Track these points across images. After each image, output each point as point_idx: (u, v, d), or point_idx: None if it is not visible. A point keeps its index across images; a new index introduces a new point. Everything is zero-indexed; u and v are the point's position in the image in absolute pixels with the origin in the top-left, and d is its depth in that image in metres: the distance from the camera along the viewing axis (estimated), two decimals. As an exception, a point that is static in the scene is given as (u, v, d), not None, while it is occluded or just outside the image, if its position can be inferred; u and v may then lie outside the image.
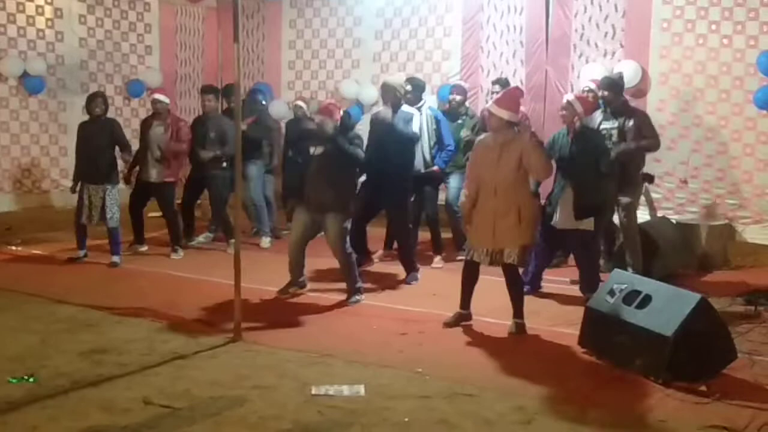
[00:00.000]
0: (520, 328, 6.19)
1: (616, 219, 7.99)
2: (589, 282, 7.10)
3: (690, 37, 9.19)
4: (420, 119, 8.36)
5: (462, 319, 6.37)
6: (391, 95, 7.99)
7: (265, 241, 9.67)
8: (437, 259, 8.77)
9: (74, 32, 11.79)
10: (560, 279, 7.82)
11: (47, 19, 11.46)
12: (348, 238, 7.18)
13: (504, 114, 6.08)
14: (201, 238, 9.85)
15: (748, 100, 8.84)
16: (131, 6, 12.46)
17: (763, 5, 8.70)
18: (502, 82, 9.26)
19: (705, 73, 9.15)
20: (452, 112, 8.93)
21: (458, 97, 9.02)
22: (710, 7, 9.03)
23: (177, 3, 12.83)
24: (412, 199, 8.46)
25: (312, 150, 7.20)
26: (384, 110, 8.09)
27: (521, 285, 6.41)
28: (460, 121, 8.91)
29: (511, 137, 6.11)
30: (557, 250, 7.57)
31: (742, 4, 8.83)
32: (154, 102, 9.24)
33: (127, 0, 12.37)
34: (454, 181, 8.91)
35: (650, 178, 8.27)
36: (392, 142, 7.80)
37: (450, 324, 6.32)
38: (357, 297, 7.16)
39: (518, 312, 6.23)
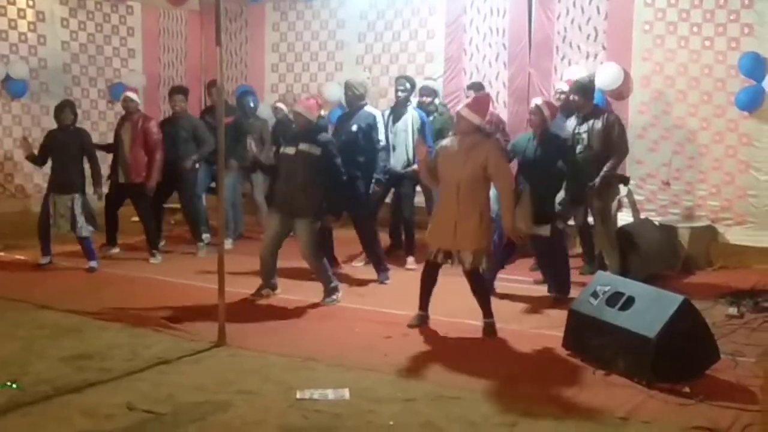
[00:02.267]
0: (490, 327, 6.25)
1: (591, 220, 8.05)
2: (557, 283, 7.30)
3: (672, 39, 9.23)
4: (406, 118, 8.51)
5: (422, 320, 6.46)
6: (348, 95, 8.07)
7: (228, 242, 9.57)
8: (410, 260, 8.77)
9: (57, 35, 11.73)
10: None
11: (29, 23, 11.39)
12: (316, 243, 7.23)
13: (475, 118, 6.15)
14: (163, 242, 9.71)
15: (729, 101, 8.88)
16: (114, 9, 12.40)
17: (744, 7, 8.74)
18: (477, 87, 9.28)
19: (687, 75, 9.18)
20: (423, 110, 8.92)
21: (427, 99, 9.07)
22: (692, 9, 9.06)
23: (159, 6, 12.76)
24: (388, 200, 8.51)
25: (283, 149, 7.22)
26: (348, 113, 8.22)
27: (485, 287, 6.49)
28: (431, 118, 8.97)
29: (477, 141, 6.17)
30: (513, 253, 7.54)
31: (723, 6, 8.86)
32: (125, 100, 9.21)
33: (110, 3, 12.31)
34: None
35: (625, 180, 8.32)
36: (350, 143, 7.86)
37: (413, 326, 6.40)
38: (333, 297, 7.21)
39: (487, 312, 6.31)
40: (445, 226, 6.19)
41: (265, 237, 7.33)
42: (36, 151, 8.81)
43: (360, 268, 8.60)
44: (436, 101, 9.34)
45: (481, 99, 6.55)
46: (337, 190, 7.28)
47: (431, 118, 8.97)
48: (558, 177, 7.08)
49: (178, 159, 9.23)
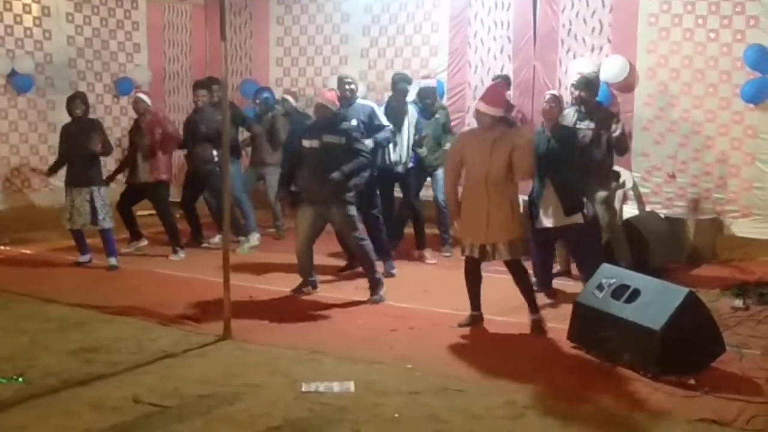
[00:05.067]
0: (537, 325, 6.13)
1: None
2: (592, 272, 7.11)
3: (677, 31, 9.20)
4: (406, 116, 8.43)
5: (474, 320, 6.30)
6: (347, 88, 8.05)
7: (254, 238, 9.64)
8: (427, 253, 8.78)
9: (62, 30, 11.74)
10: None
11: (35, 18, 11.40)
12: (359, 227, 7.15)
13: (494, 111, 6.04)
14: (216, 239, 9.51)
15: (735, 94, 8.86)
16: (118, 4, 12.40)
17: (750, -1, 8.74)
18: (504, 79, 9.26)
19: (692, 67, 9.16)
20: (427, 109, 8.89)
21: (428, 101, 8.93)
22: (697, 1, 9.03)
23: (164, 0, 12.78)
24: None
25: (307, 144, 7.12)
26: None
27: (528, 278, 6.35)
28: (438, 116, 8.94)
29: (502, 133, 6.05)
30: (548, 249, 7.46)
31: (728, -2, 8.86)
32: (136, 102, 9.20)
33: (114, -2, 12.34)
34: (441, 174, 8.93)
35: (617, 175, 8.30)
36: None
37: (463, 325, 6.25)
38: (379, 294, 7.06)
39: (533, 307, 6.18)
40: (476, 220, 6.06)
41: (300, 233, 7.20)
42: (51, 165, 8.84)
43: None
44: (443, 100, 9.28)
45: (494, 89, 6.42)
46: (362, 175, 7.22)
47: (437, 116, 8.92)
48: (578, 166, 7.04)
49: (202, 154, 9.22)
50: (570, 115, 7.73)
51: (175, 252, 9.04)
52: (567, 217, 6.96)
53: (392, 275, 7.90)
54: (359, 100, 8.12)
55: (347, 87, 8.04)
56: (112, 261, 8.42)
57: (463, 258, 6.30)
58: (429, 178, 9.10)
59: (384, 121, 8.07)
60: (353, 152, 7.04)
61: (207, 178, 9.26)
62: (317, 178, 6.97)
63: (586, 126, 7.60)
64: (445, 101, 10.68)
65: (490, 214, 6.00)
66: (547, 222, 7.02)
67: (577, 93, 7.66)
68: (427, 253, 8.82)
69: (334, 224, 7.16)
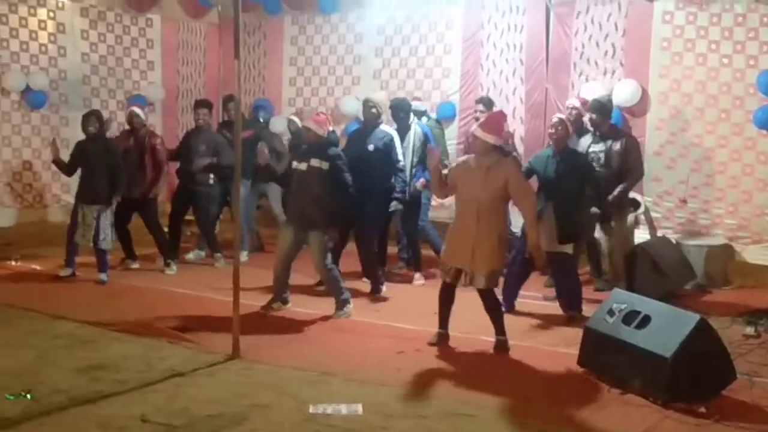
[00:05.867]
0: (502, 344, 6.24)
1: (598, 234, 8.02)
2: (572, 300, 7.25)
3: (690, 56, 9.21)
4: (409, 136, 8.42)
5: (442, 339, 6.40)
6: (370, 112, 8.05)
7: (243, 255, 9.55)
8: (417, 275, 8.77)
9: (77, 47, 11.83)
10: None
11: (50, 34, 11.49)
12: (329, 254, 7.30)
13: (490, 138, 6.10)
14: (191, 255, 9.83)
15: (747, 119, 8.84)
16: (134, 22, 12.50)
17: (763, 25, 8.72)
18: (485, 101, 9.28)
19: (705, 92, 9.15)
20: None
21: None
22: (710, 26, 9.04)
23: (179, 19, 12.87)
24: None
25: (294, 164, 7.28)
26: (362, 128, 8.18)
27: (499, 305, 6.44)
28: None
29: (496, 161, 6.14)
30: (527, 269, 7.44)
31: (741, 24, 8.84)
32: (131, 115, 9.25)
33: (130, 15, 12.40)
34: (422, 197, 8.95)
35: (636, 204, 8.31)
36: (364, 162, 7.79)
37: (432, 344, 6.35)
38: (344, 310, 7.24)
39: (500, 329, 6.30)
40: (462, 246, 6.14)
41: (279, 250, 7.38)
42: (64, 158, 8.83)
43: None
44: (424, 119, 9.26)
45: (494, 117, 6.50)
46: (345, 204, 7.27)
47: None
48: (580, 194, 7.07)
49: (196, 171, 9.27)
50: (585, 140, 7.77)
51: (167, 265, 9.11)
52: (558, 245, 6.99)
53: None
54: (382, 126, 8.11)
55: (371, 111, 8.04)
56: (103, 276, 8.47)
57: (443, 279, 6.38)
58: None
59: (399, 154, 8.06)
60: (336, 180, 7.13)
61: (196, 198, 9.38)
62: (300, 200, 7.17)
63: (599, 149, 7.63)
64: (456, 123, 10.74)
65: (476, 243, 6.07)
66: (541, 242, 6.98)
67: (589, 116, 7.71)
68: (417, 275, 8.80)
69: (309, 247, 7.25)
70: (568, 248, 7.11)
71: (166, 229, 9.44)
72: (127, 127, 9.51)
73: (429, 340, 6.40)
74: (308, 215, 7.10)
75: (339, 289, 7.30)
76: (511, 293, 7.42)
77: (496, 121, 6.36)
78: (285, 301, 7.44)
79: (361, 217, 7.89)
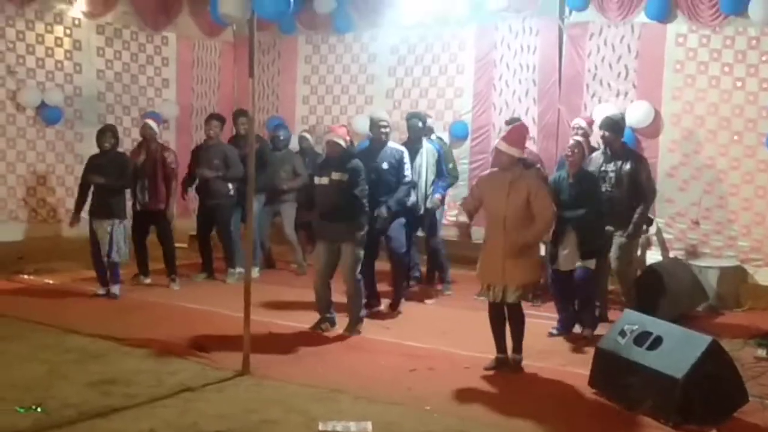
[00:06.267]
0: (517, 363, 6.20)
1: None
2: (588, 319, 7.22)
3: (703, 78, 9.21)
4: (422, 153, 8.41)
5: (500, 363, 6.28)
6: (375, 130, 8.05)
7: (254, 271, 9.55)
8: (429, 301, 8.77)
9: (92, 64, 11.92)
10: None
11: (66, 51, 11.57)
12: (359, 267, 7.24)
13: (514, 152, 6.11)
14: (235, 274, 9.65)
15: (760, 142, 8.82)
16: (149, 39, 12.58)
17: (776, 48, 8.75)
18: (514, 122, 9.25)
19: (717, 114, 9.14)
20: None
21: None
22: (723, 49, 9.05)
23: (194, 37, 12.96)
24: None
25: (316, 180, 7.28)
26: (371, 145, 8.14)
27: (523, 321, 6.34)
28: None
29: (519, 174, 6.13)
30: (568, 292, 7.37)
31: (755, 47, 8.85)
32: (144, 127, 9.32)
33: (146, 33, 12.48)
34: (437, 214, 9.00)
35: (649, 221, 8.29)
36: (379, 180, 7.74)
37: (489, 368, 6.23)
38: (357, 328, 7.23)
39: (518, 347, 6.25)
40: (493, 262, 6.09)
41: (317, 269, 7.35)
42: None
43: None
44: (433, 136, 9.20)
45: (517, 130, 6.44)
46: (359, 215, 7.23)
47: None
48: (598, 212, 7.08)
49: (212, 185, 9.35)
50: (597, 158, 7.77)
51: (173, 281, 9.15)
52: (581, 261, 6.98)
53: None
54: (390, 143, 8.13)
55: (381, 130, 8.06)
56: (114, 290, 8.53)
57: (489, 300, 6.29)
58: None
59: (408, 170, 8.03)
60: (354, 191, 7.11)
61: (215, 211, 9.42)
62: (327, 214, 7.14)
63: (612, 168, 7.63)
64: (468, 143, 10.75)
65: (505, 257, 6.02)
66: (564, 265, 7.02)
67: (601, 133, 7.72)
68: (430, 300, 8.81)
69: (341, 261, 7.21)
70: (591, 263, 7.08)
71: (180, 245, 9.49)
72: (140, 140, 9.55)
73: (485, 365, 6.26)
74: (339, 228, 7.10)
75: (358, 305, 7.31)
76: (562, 315, 7.38)
77: (519, 134, 6.34)
78: (333, 322, 7.37)
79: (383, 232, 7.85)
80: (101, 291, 8.61)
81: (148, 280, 9.32)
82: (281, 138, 10.28)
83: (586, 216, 7.00)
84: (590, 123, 8.68)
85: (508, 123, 9.31)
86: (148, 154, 9.12)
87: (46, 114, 11.31)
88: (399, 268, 8.22)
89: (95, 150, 8.75)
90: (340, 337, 7.11)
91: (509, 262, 6.01)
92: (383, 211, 7.64)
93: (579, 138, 7.56)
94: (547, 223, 6.26)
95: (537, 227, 6.09)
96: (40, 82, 11.27)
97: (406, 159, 8.02)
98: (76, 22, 11.67)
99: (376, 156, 7.91)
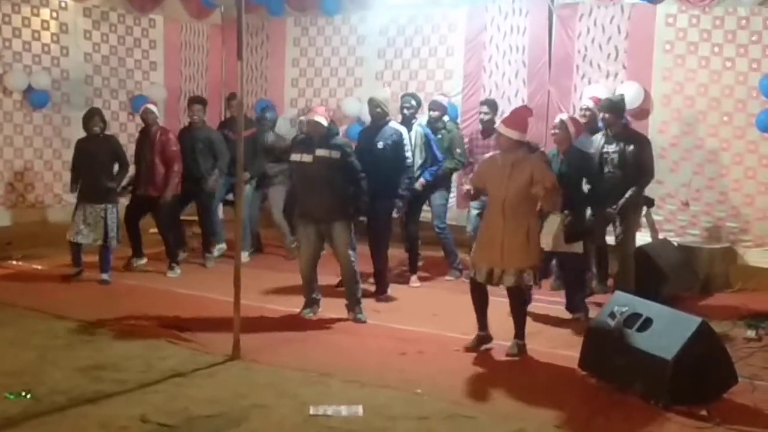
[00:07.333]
0: (521, 348, 6.15)
1: (609, 240, 8.01)
2: (575, 302, 7.23)
3: (693, 59, 9.20)
4: (411, 135, 8.32)
5: (481, 341, 6.26)
6: (376, 111, 8.00)
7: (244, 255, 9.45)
8: (413, 278, 8.74)
9: (79, 47, 11.82)
10: (558, 300, 7.73)
11: (52, 34, 11.48)
12: (353, 244, 7.16)
13: (513, 134, 6.04)
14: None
15: (750, 123, 8.84)
16: (136, 22, 12.48)
17: (766, 28, 8.71)
18: (490, 103, 9.22)
19: (707, 95, 9.15)
20: (430, 127, 8.80)
21: (435, 113, 8.91)
22: (713, 29, 9.04)
23: (182, 20, 12.86)
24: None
25: (296, 158, 7.14)
26: (370, 125, 8.14)
27: (525, 306, 6.32)
28: (439, 136, 8.82)
29: (522, 156, 6.07)
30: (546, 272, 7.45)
31: (744, 27, 8.84)
32: (145, 112, 9.21)
33: (132, 16, 12.38)
34: (437, 199, 8.92)
35: (650, 202, 8.30)
36: (376, 161, 7.71)
37: (470, 348, 6.21)
38: (361, 315, 7.13)
39: (520, 333, 6.19)
40: (491, 244, 6.04)
41: (303, 252, 7.24)
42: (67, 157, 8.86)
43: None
44: (445, 118, 9.12)
45: (517, 113, 6.38)
46: (358, 193, 7.16)
47: (439, 136, 8.80)
48: (586, 194, 7.06)
49: (195, 169, 9.26)
50: (598, 139, 7.76)
51: (171, 268, 9.06)
52: (566, 244, 6.97)
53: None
54: (391, 123, 8.06)
55: (377, 110, 8.01)
56: (105, 276, 8.47)
57: (471, 279, 6.27)
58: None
59: (408, 152, 7.98)
60: (347, 169, 7.05)
61: (198, 193, 9.35)
62: (312, 193, 7.00)
63: (612, 150, 7.62)
64: (458, 124, 10.71)
65: (504, 239, 5.98)
66: (545, 245, 6.90)
67: (601, 115, 7.72)
68: (413, 277, 8.78)
69: (333, 240, 7.10)
70: (578, 248, 7.06)
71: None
72: (142, 125, 9.43)
73: (466, 344, 6.25)
74: (327, 208, 6.95)
75: (358, 287, 7.21)
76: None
77: (519, 116, 6.26)
78: (317, 303, 7.33)
79: (374, 215, 7.79)
80: (74, 270, 8.56)
81: (143, 261, 9.26)
82: (267, 119, 10.23)
83: (573, 196, 6.91)
84: (597, 102, 8.59)
85: (482, 104, 9.30)
86: (148, 138, 9.04)
87: (33, 98, 11.22)
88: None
89: (83, 134, 8.68)
90: (330, 321, 7.10)
91: (508, 245, 5.97)
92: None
93: (564, 116, 7.50)
94: (557, 192, 6.11)
95: (551, 196, 6.00)
96: (26, 66, 11.18)
97: (405, 140, 7.97)
98: (63, 4, 11.57)
99: (375, 136, 7.88)
